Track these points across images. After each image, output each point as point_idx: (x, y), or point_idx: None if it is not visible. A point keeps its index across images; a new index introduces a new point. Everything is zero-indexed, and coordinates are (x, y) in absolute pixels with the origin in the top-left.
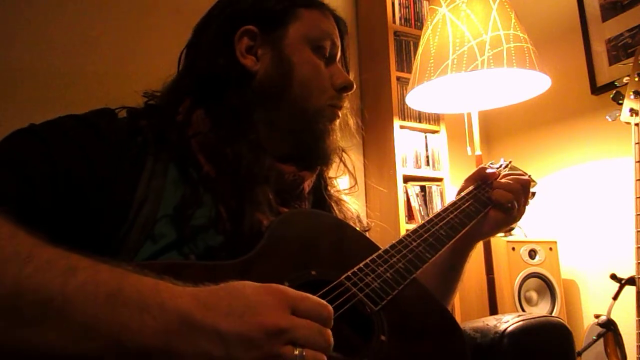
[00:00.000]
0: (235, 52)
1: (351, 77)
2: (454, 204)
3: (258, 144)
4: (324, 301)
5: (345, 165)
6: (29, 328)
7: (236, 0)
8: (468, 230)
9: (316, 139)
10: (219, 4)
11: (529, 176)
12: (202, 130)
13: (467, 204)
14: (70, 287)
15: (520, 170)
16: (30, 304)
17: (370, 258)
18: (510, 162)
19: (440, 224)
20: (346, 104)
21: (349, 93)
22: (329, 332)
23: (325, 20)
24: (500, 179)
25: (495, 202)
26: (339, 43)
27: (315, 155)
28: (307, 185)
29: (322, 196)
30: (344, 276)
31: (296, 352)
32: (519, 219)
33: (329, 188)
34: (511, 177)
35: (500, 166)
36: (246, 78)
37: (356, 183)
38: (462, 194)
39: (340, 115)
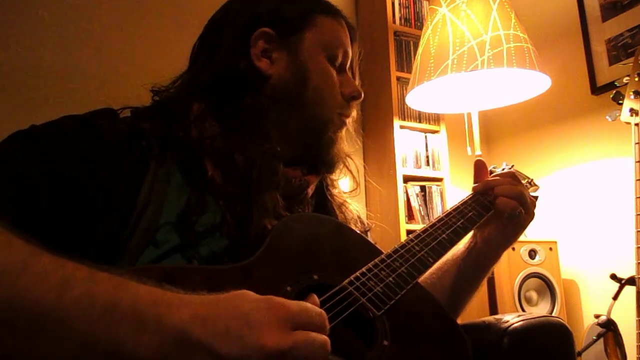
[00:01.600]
0: (250, 54)
1: (357, 83)
2: (456, 208)
3: (271, 150)
4: (320, 309)
5: (348, 170)
6: (24, 341)
7: (255, 1)
8: (482, 248)
9: (324, 147)
10: (235, 3)
11: (531, 180)
12: (211, 134)
13: (469, 208)
14: (65, 302)
15: (522, 174)
16: (25, 319)
17: (373, 262)
18: (512, 166)
19: (443, 228)
20: (354, 113)
21: (358, 102)
22: (328, 340)
23: (341, 28)
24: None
25: (499, 212)
26: (349, 54)
27: (322, 162)
28: (311, 189)
29: (324, 197)
30: (346, 281)
31: None
32: (530, 221)
33: (331, 189)
34: (499, 179)
35: (503, 170)
36: (260, 81)
37: (358, 186)
38: (464, 198)
39: (347, 123)
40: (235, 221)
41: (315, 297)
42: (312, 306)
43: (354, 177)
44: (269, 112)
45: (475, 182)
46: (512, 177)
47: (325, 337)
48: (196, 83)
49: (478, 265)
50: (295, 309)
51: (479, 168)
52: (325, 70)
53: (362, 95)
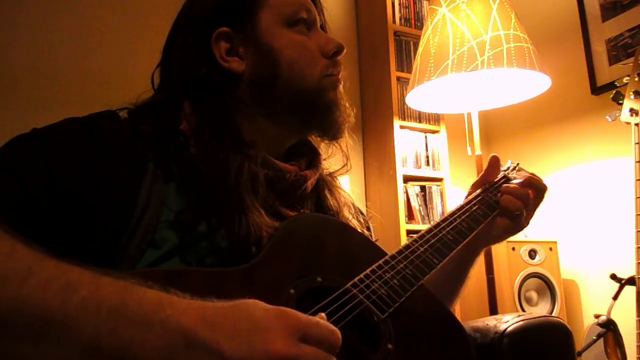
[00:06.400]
0: (215, 58)
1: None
2: (461, 207)
3: (243, 144)
4: (333, 327)
5: (339, 145)
6: (29, 346)
7: (199, 5)
8: (476, 234)
9: (325, 112)
10: (182, 14)
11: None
12: (198, 135)
13: (474, 208)
14: (70, 305)
15: (526, 171)
16: (30, 323)
17: (377, 264)
18: (517, 164)
19: (448, 228)
20: (342, 67)
21: (342, 55)
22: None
23: None
24: (518, 183)
25: (502, 208)
26: (313, 8)
27: (327, 128)
28: (310, 184)
29: (320, 187)
30: (350, 283)
31: None
32: (526, 225)
33: (324, 175)
34: (527, 181)
35: (508, 168)
36: (233, 81)
37: (348, 160)
38: (469, 197)
39: (341, 80)
40: (227, 221)
41: (324, 315)
42: (324, 322)
43: (343, 152)
44: (246, 109)
45: (483, 178)
46: (536, 192)
47: (329, 356)
48: (179, 86)
49: (463, 257)
50: (306, 321)
51: (493, 165)
52: (292, 42)
53: (344, 47)
